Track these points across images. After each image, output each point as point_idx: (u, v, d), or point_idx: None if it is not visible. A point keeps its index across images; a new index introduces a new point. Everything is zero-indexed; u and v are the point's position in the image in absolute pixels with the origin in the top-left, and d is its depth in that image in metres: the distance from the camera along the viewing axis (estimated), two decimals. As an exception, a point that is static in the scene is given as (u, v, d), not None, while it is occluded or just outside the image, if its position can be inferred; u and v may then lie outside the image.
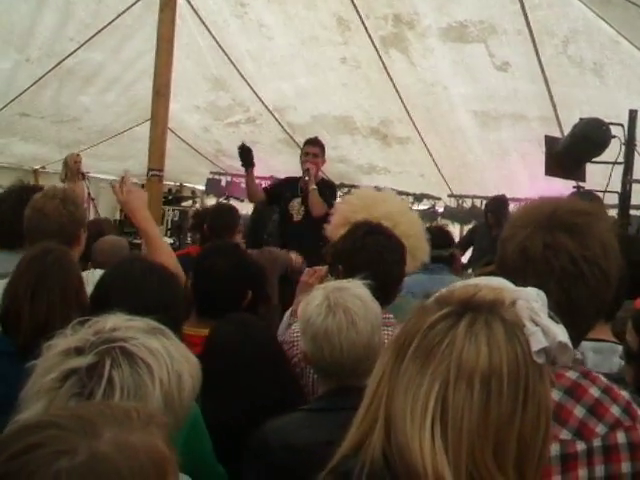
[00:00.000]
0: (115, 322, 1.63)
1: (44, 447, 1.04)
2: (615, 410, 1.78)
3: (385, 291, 3.09)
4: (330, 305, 2.51)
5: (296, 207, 7.09)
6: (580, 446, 1.71)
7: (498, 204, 8.32)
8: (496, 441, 1.24)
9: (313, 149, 7.18)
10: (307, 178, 6.91)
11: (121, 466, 1.06)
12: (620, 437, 1.76)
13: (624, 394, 1.85)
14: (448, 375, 1.25)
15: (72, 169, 8.55)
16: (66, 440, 1.06)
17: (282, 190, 7.40)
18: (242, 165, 7.48)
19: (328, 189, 7.14)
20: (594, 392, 1.78)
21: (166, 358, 1.57)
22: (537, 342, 1.31)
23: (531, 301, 1.36)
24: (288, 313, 3.80)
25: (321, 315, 2.50)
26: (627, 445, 1.76)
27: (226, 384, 2.72)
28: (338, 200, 6.92)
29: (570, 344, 1.36)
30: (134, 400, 1.47)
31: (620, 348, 2.96)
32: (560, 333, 1.34)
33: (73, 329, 1.60)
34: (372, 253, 3.15)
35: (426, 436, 1.22)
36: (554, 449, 1.68)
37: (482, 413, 1.24)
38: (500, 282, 1.44)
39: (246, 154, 7.44)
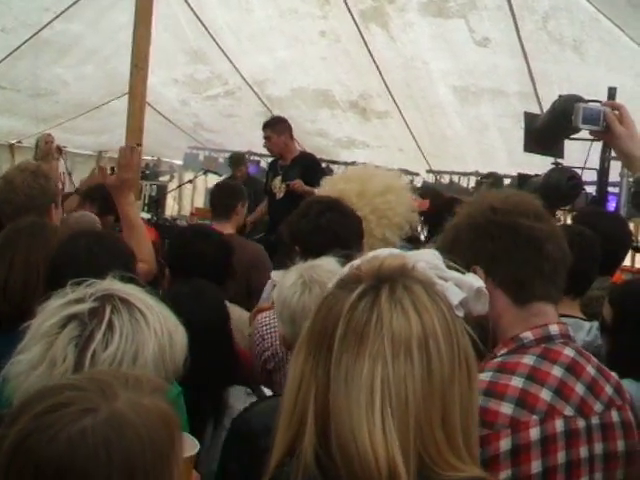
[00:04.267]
0: (111, 282, 1.69)
1: (69, 406, 1.13)
2: (608, 389, 1.83)
3: None
4: (305, 282, 2.46)
5: (277, 185, 7.18)
6: (581, 423, 1.73)
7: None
8: (443, 407, 1.21)
9: (265, 133, 7.28)
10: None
11: (138, 424, 1.15)
12: (614, 415, 1.80)
13: (614, 374, 1.89)
14: (385, 352, 1.19)
15: (43, 150, 8.47)
16: (89, 399, 1.15)
17: (267, 176, 7.57)
18: None
19: (312, 164, 7.24)
20: (590, 370, 1.81)
21: (159, 314, 1.62)
22: (455, 295, 1.29)
23: (430, 261, 1.33)
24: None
25: (297, 293, 2.44)
26: (620, 424, 1.80)
27: None
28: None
29: (485, 289, 1.34)
30: (132, 344, 1.54)
31: (586, 324, 3.01)
32: (474, 281, 1.33)
33: (71, 288, 1.63)
34: (327, 233, 3.09)
35: (376, 425, 1.16)
36: (559, 425, 1.68)
37: (426, 380, 1.19)
38: (390, 251, 1.39)
39: None
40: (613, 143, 2.44)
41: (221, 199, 5.61)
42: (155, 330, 1.58)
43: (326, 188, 4.51)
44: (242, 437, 2.27)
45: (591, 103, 2.58)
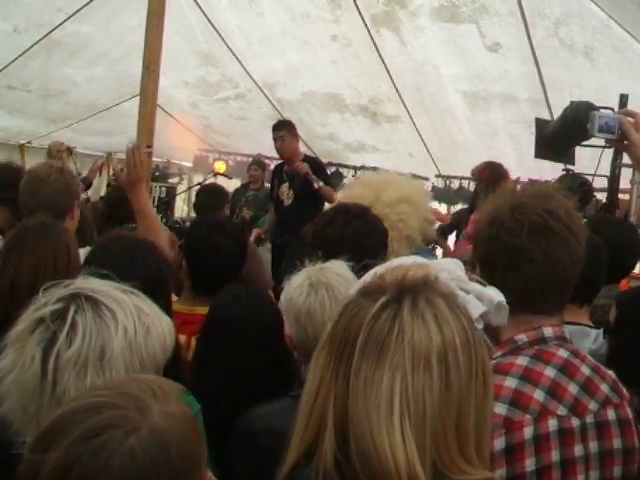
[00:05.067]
0: (86, 280, 1.72)
1: (113, 428, 1.16)
2: (604, 388, 1.86)
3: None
4: (312, 283, 2.46)
5: (285, 192, 7.19)
6: (575, 422, 1.77)
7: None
8: (458, 416, 1.23)
9: (278, 133, 7.31)
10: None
11: (174, 436, 1.20)
12: (610, 414, 1.84)
13: (610, 373, 1.93)
14: (405, 363, 1.21)
15: (54, 158, 8.51)
16: (129, 419, 1.18)
17: (273, 184, 7.61)
18: None
19: (317, 168, 7.23)
20: (585, 370, 1.85)
21: (132, 309, 1.63)
22: (475, 308, 1.31)
23: (452, 271, 1.36)
24: None
25: (303, 294, 2.45)
26: (617, 422, 1.84)
27: (227, 358, 2.65)
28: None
29: (505, 303, 1.37)
30: (96, 342, 1.55)
31: (593, 332, 3.00)
32: (495, 294, 1.36)
33: (45, 290, 1.65)
34: (351, 243, 3.09)
35: (395, 433, 1.18)
36: (552, 424, 1.72)
37: (443, 391, 1.21)
38: (414, 259, 1.42)
39: None
40: (629, 151, 2.45)
41: (207, 200, 5.65)
42: (124, 325, 1.59)
43: (345, 192, 4.55)
44: (245, 437, 2.28)
45: (605, 111, 2.57)
